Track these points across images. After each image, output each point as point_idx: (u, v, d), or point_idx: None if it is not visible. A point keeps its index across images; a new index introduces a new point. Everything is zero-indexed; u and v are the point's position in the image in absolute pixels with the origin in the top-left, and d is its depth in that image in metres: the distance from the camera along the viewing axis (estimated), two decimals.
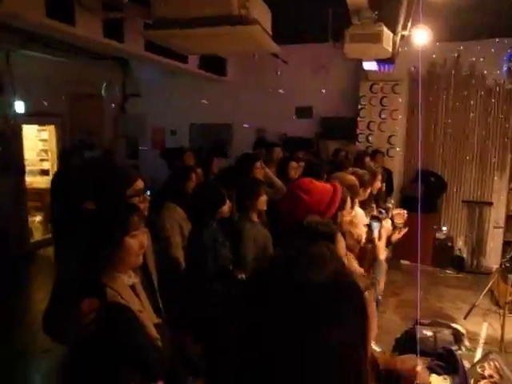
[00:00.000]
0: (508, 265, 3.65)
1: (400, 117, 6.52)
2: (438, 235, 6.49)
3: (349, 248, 2.32)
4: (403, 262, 6.60)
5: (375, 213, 2.53)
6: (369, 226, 2.32)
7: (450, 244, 6.45)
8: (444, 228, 6.54)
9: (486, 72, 6.20)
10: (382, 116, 6.56)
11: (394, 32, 3.25)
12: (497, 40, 5.81)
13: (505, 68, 4.93)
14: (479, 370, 3.18)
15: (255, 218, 2.92)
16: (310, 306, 0.71)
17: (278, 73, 6.32)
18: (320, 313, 0.71)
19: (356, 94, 6.70)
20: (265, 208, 2.98)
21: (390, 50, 3.22)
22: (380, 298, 3.42)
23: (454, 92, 6.43)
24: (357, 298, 0.76)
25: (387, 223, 2.41)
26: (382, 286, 2.14)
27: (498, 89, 6.21)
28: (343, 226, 2.35)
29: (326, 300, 0.71)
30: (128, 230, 1.69)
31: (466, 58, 6.27)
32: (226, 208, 2.63)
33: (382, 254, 2.13)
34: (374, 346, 3.93)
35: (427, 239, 6.46)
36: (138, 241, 1.72)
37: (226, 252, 2.55)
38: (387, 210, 2.70)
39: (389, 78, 6.36)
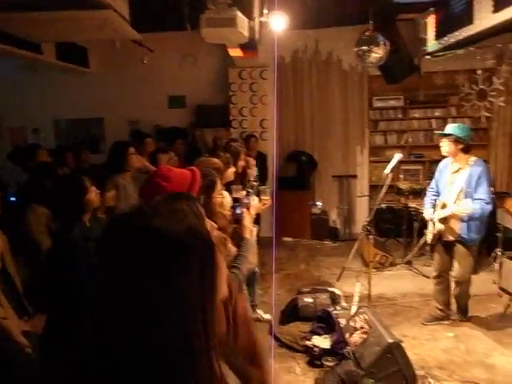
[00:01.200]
0: (368, 228, 4.08)
1: (270, 101, 6.81)
2: (313, 210, 6.98)
3: (222, 229, 2.40)
4: (285, 239, 6.99)
5: (242, 193, 2.63)
6: (233, 208, 2.41)
7: (325, 217, 6.98)
8: (318, 203, 7.05)
9: (342, 57, 6.78)
10: (253, 101, 6.79)
11: (250, 17, 3.38)
12: (349, 27, 6.34)
13: (355, 54, 5.42)
14: (352, 324, 3.54)
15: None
16: (162, 253, 0.73)
17: (145, 61, 6.14)
18: (172, 260, 0.73)
19: (226, 81, 6.83)
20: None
21: (247, 34, 3.34)
22: (258, 270, 3.58)
23: (316, 76, 6.91)
24: (209, 252, 0.80)
25: (254, 201, 2.53)
26: (254, 261, 2.25)
27: (352, 72, 6.84)
28: (215, 207, 2.41)
29: (179, 248, 0.74)
30: None
31: (324, 44, 6.76)
32: (93, 197, 2.48)
33: (248, 232, 2.23)
34: (264, 314, 4.13)
35: (304, 215, 6.93)
36: None
37: None
38: (253, 188, 2.83)
39: (256, 64, 6.60)
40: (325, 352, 3.38)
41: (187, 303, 0.74)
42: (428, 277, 5.27)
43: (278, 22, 4.14)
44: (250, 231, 2.21)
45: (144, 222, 0.76)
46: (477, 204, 3.53)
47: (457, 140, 3.64)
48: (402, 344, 3.19)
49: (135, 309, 0.72)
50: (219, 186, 2.43)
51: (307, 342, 3.50)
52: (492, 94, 6.07)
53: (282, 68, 6.87)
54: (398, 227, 6.39)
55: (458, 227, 3.71)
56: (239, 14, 2.95)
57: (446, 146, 3.73)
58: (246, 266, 1.99)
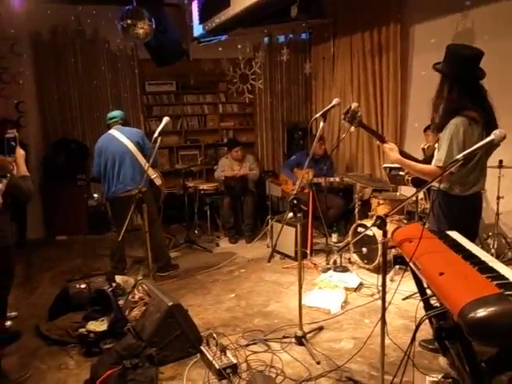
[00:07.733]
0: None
1: (24, 81, 5.89)
2: (90, 203, 6.38)
3: None
4: (59, 237, 6.20)
5: None
6: None
7: (103, 209, 6.44)
8: (95, 194, 6.47)
9: (109, 38, 6.34)
10: (4, 80, 5.75)
11: None
12: (112, 6, 5.93)
13: (120, 28, 5.09)
14: (131, 298, 3.24)
15: None
16: None
17: None
18: None
19: None
20: None
21: None
22: None
23: (82, 56, 6.30)
24: None
25: None
26: None
27: (122, 55, 6.48)
28: None
29: None
30: None
31: (87, 23, 6.20)
32: None
33: None
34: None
35: (80, 209, 6.26)
36: None
37: None
38: None
39: (4, 36, 5.60)
40: (103, 336, 2.98)
41: None
42: (211, 251, 5.39)
43: None
44: None
45: None
46: None
47: None
48: (189, 313, 3.06)
49: None
50: None
51: (80, 330, 3.03)
52: (252, 77, 6.65)
53: (41, 45, 6.04)
54: (180, 212, 6.33)
55: None
56: None
57: None
58: None
